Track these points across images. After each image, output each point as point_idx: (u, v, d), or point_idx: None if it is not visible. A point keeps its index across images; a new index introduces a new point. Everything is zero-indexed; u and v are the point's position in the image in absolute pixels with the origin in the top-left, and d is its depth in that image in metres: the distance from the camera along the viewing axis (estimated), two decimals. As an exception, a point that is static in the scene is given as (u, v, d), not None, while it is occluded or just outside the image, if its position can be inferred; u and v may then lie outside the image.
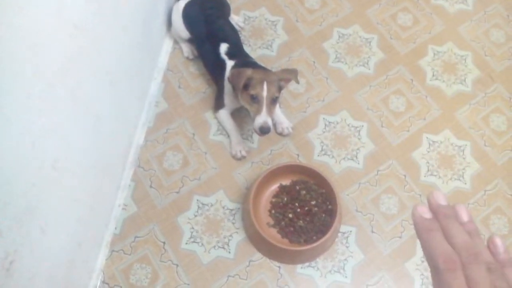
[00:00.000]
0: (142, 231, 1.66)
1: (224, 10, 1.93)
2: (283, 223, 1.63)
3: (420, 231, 0.41)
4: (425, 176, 1.79)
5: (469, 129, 1.87)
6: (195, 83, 1.92)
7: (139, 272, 1.60)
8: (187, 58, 1.96)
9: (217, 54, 1.77)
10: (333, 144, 1.82)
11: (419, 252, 1.67)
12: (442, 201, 0.43)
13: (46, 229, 1.12)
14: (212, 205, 1.71)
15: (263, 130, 1.58)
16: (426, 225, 0.41)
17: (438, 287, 0.37)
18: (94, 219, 1.51)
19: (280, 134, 1.82)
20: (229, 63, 1.74)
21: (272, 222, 1.64)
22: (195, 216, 1.69)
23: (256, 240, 1.62)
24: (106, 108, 1.42)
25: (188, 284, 1.59)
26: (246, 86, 1.60)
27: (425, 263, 1.65)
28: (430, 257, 0.39)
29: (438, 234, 0.40)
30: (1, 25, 0.81)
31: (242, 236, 1.67)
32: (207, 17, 1.83)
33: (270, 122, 1.59)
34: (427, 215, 0.42)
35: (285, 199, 1.66)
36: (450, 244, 0.39)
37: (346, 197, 1.74)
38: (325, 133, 1.84)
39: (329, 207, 1.64)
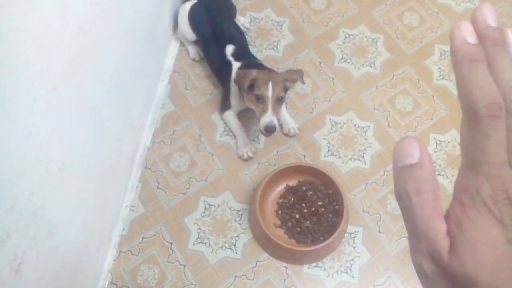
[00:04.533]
0: (149, 232, 1.67)
1: (230, 12, 1.94)
2: (290, 223, 1.63)
3: (460, 62, 0.30)
4: (432, 176, 1.77)
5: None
6: (202, 85, 1.93)
7: (147, 272, 1.61)
8: (193, 59, 1.97)
9: (223, 55, 1.78)
10: (340, 144, 1.82)
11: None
12: (491, 20, 0.30)
13: (53, 231, 1.13)
14: (219, 206, 1.71)
15: (269, 129, 1.58)
16: (469, 53, 0.29)
17: (469, 135, 0.28)
18: (101, 220, 1.52)
19: (287, 135, 1.82)
20: (235, 65, 1.75)
21: (279, 222, 1.64)
22: (202, 217, 1.69)
23: (263, 241, 1.62)
24: (111, 110, 1.43)
25: (195, 285, 1.60)
26: (251, 87, 1.61)
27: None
28: (468, 98, 0.29)
29: (483, 67, 0.29)
30: (6, 29, 0.82)
31: (249, 236, 1.67)
32: (213, 19, 1.84)
33: (275, 122, 1.59)
34: (472, 39, 0.30)
35: (292, 199, 1.66)
36: (494, 82, 0.29)
37: (353, 198, 1.73)
38: (331, 133, 1.84)
39: (336, 207, 1.63)
